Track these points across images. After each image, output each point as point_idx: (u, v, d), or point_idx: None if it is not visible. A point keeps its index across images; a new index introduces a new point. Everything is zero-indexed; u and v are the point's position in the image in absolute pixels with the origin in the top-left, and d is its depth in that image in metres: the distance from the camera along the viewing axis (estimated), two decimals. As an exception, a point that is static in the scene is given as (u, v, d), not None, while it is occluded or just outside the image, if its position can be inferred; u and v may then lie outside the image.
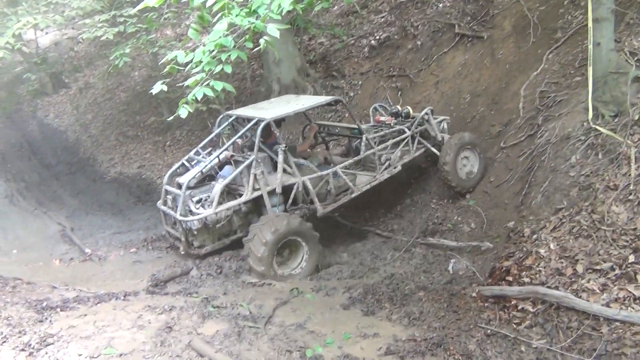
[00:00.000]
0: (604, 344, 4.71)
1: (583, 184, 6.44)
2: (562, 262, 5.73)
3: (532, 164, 7.64)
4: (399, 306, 5.82)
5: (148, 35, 11.18)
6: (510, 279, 5.94)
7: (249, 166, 7.25)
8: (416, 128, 8.61)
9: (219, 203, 7.20)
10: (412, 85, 11.15)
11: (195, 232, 7.42)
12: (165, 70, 5.16)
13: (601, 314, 4.91)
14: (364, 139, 8.11)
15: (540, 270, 5.80)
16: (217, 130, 8.42)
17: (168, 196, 7.76)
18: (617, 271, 5.27)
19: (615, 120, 6.85)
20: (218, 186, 7.25)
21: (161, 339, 4.79)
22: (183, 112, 4.82)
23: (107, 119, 16.06)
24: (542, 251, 6.01)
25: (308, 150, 8.64)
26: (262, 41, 4.37)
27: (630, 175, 6.06)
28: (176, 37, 14.62)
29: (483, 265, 6.90)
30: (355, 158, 8.22)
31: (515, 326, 5.26)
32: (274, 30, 4.14)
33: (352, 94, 11.89)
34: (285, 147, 7.46)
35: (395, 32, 12.26)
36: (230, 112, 8.53)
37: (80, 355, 4.49)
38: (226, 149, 7.91)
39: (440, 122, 9.00)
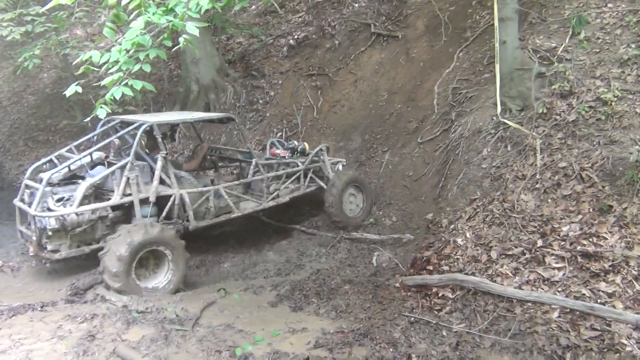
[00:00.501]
0: (517, 324, 5.03)
1: (494, 174, 6.82)
2: (477, 250, 6.05)
3: (448, 157, 7.99)
4: (326, 300, 5.91)
5: (58, 35, 10.66)
6: (431, 268, 6.20)
7: (122, 169, 6.59)
8: (309, 164, 8.53)
9: (82, 204, 6.43)
10: (331, 83, 11.31)
11: (50, 233, 6.43)
12: (79, 71, 4.97)
13: (514, 296, 5.24)
14: (253, 163, 7.81)
15: (458, 259, 6.10)
16: (95, 132, 7.72)
17: (27, 191, 6.90)
18: (528, 255, 5.64)
19: (522, 114, 7.30)
20: (83, 184, 6.50)
21: (84, 348, 4.62)
22: (101, 112, 4.65)
23: (15, 123, 15.14)
24: (459, 240, 6.31)
25: (196, 172, 8.27)
26: (181, 40, 4.30)
27: (536, 165, 6.48)
28: (87, 36, 14.04)
29: (405, 256, 7.15)
30: (242, 180, 7.97)
31: (436, 312, 5.50)
32: (193, 28, 4.09)
33: (272, 93, 11.89)
34: (166, 154, 6.88)
35: (313, 31, 12.39)
36: (115, 116, 7.86)
37: (-4, 371, 4.27)
38: (100, 150, 7.26)
39: (336, 163, 8.92)
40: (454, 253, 6.19)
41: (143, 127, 6.74)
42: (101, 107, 4.53)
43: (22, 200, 6.92)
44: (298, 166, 8.42)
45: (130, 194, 6.59)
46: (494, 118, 7.48)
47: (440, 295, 5.73)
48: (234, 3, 5.01)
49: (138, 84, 4.35)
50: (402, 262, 6.98)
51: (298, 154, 8.74)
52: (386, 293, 5.97)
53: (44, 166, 7.27)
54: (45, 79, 16.11)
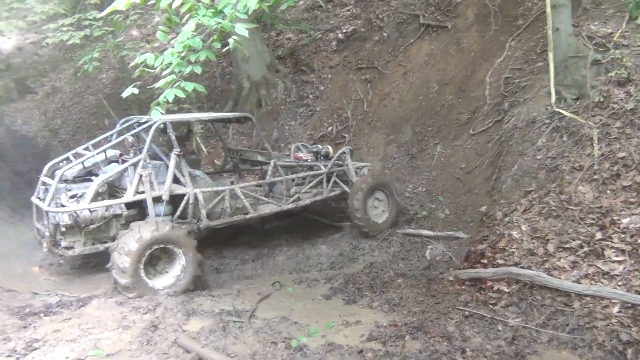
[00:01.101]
0: (576, 319, 4.95)
1: (550, 166, 6.67)
2: (533, 243, 5.96)
3: (501, 149, 7.87)
4: (379, 293, 5.98)
5: (115, 38, 11.08)
6: (485, 261, 6.15)
7: (135, 167, 6.61)
8: (332, 167, 8.34)
9: (95, 200, 6.44)
10: (381, 76, 11.29)
11: (64, 230, 6.46)
12: (135, 74, 5.17)
13: (572, 290, 5.15)
14: (271, 164, 7.74)
15: (513, 252, 6.02)
16: (113, 131, 7.83)
17: (42, 188, 6.98)
18: (586, 248, 5.52)
19: (577, 103, 7.08)
20: (96, 181, 6.51)
21: (147, 338, 4.85)
22: (155, 114, 4.83)
23: (77, 123, 15.83)
24: (514, 233, 6.23)
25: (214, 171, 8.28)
26: (231, 41, 4.43)
27: (593, 155, 6.30)
28: (142, 37, 14.51)
29: (459, 249, 7.11)
30: (260, 182, 7.95)
31: (491, 306, 5.47)
32: (242, 29, 4.21)
33: (322, 88, 11.98)
34: (180, 152, 6.86)
35: (362, 24, 12.39)
36: (133, 117, 8.01)
37: (67, 358, 4.52)
38: (116, 147, 7.37)
39: (362, 167, 8.74)
40: (509, 246, 6.12)
41: (155, 124, 6.77)
42: (155, 108, 4.69)
43: (38, 197, 6.97)
44: (320, 169, 8.28)
45: (143, 192, 6.58)
46: (549, 108, 7.29)
47: (495, 289, 5.69)
48: (281, 2, 5.09)
49: (189, 86, 4.50)
50: (455, 255, 6.96)
51: (322, 158, 8.58)
52: (440, 287, 5.98)
53: (61, 163, 7.34)
54: (105, 79, 16.75)
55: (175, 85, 4.55)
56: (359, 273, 6.66)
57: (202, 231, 7.07)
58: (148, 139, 6.65)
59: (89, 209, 6.41)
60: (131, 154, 7.30)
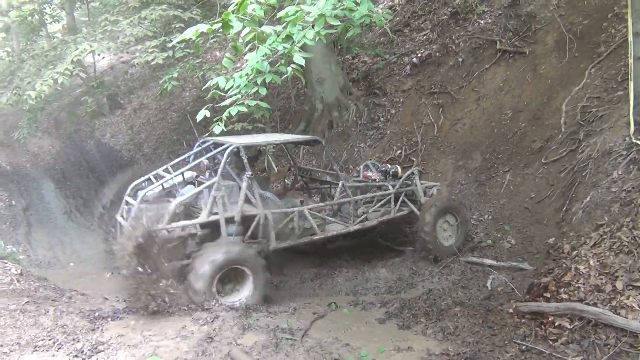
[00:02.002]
0: (641, 361, 4.66)
1: (624, 199, 6.35)
2: (601, 279, 5.67)
3: (573, 179, 7.57)
4: (434, 321, 5.87)
5: (195, 60, 11.65)
6: (549, 295, 5.90)
7: (210, 188, 6.92)
8: (400, 187, 8.38)
9: (172, 220, 6.69)
10: (453, 101, 11.18)
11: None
12: (208, 96, 5.45)
13: (639, 331, 4.85)
14: (340, 185, 7.81)
15: (579, 287, 5.74)
16: (190, 153, 8.20)
17: (125, 207, 7.38)
18: (657, 288, 5.19)
19: (658, 134, 6.75)
20: (173, 202, 6.83)
21: (202, 349, 5.02)
22: (217, 128, 5.06)
23: (160, 138, 16.71)
24: (581, 267, 5.95)
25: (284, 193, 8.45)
26: (289, 69, 4.58)
27: (672, 190, 5.96)
28: (222, 58, 15.15)
29: (522, 281, 6.87)
30: (328, 203, 8.00)
31: (551, 342, 5.23)
32: (299, 58, 4.35)
33: (393, 111, 12.01)
34: (251, 175, 7.15)
35: (437, 49, 12.35)
36: (206, 137, 8.26)
37: (127, 362, 4.78)
38: (191, 169, 7.75)
39: (431, 187, 8.72)
40: (575, 281, 5.84)
41: (230, 148, 7.04)
42: (218, 124, 4.92)
43: (121, 215, 7.35)
44: (389, 189, 8.27)
45: (216, 213, 6.82)
46: (627, 139, 6.98)
47: (556, 324, 5.43)
48: (349, 29, 5.21)
49: (253, 102, 4.69)
50: (518, 287, 6.72)
51: (390, 177, 8.56)
52: (497, 318, 5.79)
53: (143, 184, 7.69)
54: (187, 97, 17.62)
55: (239, 103, 4.76)
56: (416, 299, 6.57)
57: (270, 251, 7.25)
58: (222, 163, 6.95)
59: (167, 229, 6.67)
60: (206, 176, 7.76)
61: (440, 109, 11.25)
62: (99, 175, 16.37)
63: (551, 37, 10.50)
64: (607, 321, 5.10)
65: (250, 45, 4.55)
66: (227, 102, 4.86)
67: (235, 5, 4.16)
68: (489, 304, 6.29)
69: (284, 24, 4.51)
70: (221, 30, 4.37)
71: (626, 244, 5.87)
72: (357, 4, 5.35)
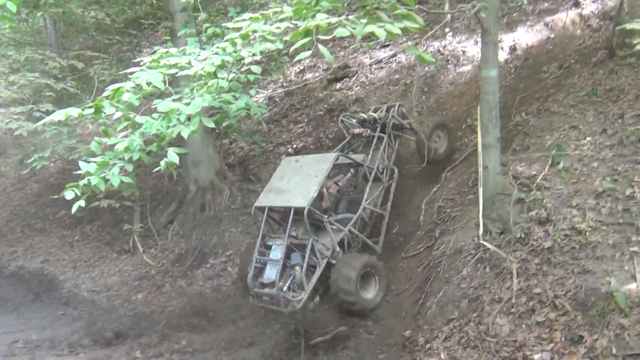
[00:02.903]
0: None
1: (472, 295, 6.87)
2: (451, 372, 6.00)
3: (429, 274, 8.06)
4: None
5: (70, 140, 11.19)
6: (403, 388, 6.11)
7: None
8: (390, 129, 9.92)
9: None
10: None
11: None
12: (81, 184, 5.16)
13: None
14: (366, 169, 9.37)
15: (430, 381, 6.02)
16: (262, 231, 8.96)
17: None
18: (498, 381, 5.58)
19: (501, 237, 7.46)
20: (299, 273, 8.20)
21: None
22: (69, 194, 4.80)
23: (15, 209, 15.49)
24: (432, 360, 6.27)
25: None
26: (162, 163, 4.61)
27: (512, 289, 6.55)
28: (97, 133, 14.67)
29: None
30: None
31: None
32: (173, 155, 4.41)
33: (267, 199, 12.18)
34: (328, 217, 8.54)
35: (312, 142, 12.94)
36: (259, 205, 9.07)
37: None
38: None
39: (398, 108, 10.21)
40: (427, 374, 6.13)
41: (305, 211, 8.17)
42: (72, 189, 4.68)
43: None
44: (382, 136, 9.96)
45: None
46: (475, 239, 7.64)
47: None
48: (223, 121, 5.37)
49: (116, 179, 4.57)
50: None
51: (372, 124, 9.94)
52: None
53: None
54: (52, 168, 16.65)
55: (101, 174, 4.62)
56: None
57: None
58: (306, 224, 8.28)
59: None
60: None
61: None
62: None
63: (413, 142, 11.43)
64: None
65: (121, 128, 4.53)
66: (88, 168, 4.65)
67: (111, 91, 4.15)
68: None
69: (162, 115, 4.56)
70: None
71: (472, 338, 6.31)
72: (235, 98, 5.59)
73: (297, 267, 8.24)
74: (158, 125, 4.39)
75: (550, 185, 7.69)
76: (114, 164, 4.44)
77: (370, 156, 9.56)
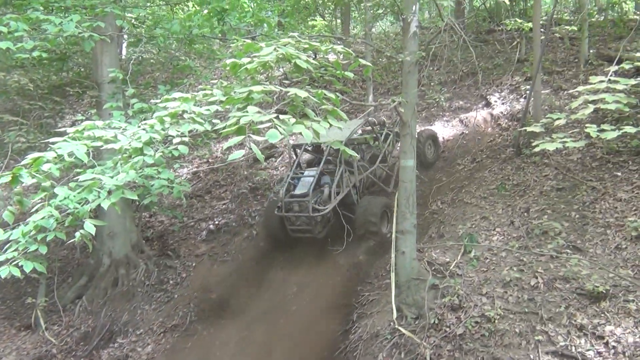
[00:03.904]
0: None
1: (387, 382, 6.89)
2: None
3: (346, 359, 8.03)
4: None
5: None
6: None
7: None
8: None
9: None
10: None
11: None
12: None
13: None
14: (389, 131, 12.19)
15: None
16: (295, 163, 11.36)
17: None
18: None
19: (417, 322, 7.63)
20: (327, 189, 10.28)
21: None
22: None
23: None
24: None
25: None
26: (77, 234, 4.48)
27: (425, 375, 6.65)
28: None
29: None
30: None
31: None
32: (90, 226, 4.31)
33: (184, 275, 11.86)
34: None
35: (234, 219, 12.89)
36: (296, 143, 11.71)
37: None
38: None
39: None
40: None
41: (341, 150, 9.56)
42: None
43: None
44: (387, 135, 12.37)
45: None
46: (391, 323, 7.75)
47: None
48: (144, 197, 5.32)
49: (29, 266, 4.39)
50: None
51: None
52: None
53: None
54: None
55: (13, 263, 4.41)
56: None
57: None
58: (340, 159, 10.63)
59: None
60: None
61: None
62: None
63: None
64: None
65: (39, 205, 4.38)
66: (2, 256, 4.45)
67: (30, 159, 4.06)
68: None
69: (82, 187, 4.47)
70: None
71: None
72: (158, 172, 5.57)
73: (327, 185, 10.28)
74: (77, 199, 4.29)
75: (462, 273, 8.04)
76: (26, 248, 4.28)
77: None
